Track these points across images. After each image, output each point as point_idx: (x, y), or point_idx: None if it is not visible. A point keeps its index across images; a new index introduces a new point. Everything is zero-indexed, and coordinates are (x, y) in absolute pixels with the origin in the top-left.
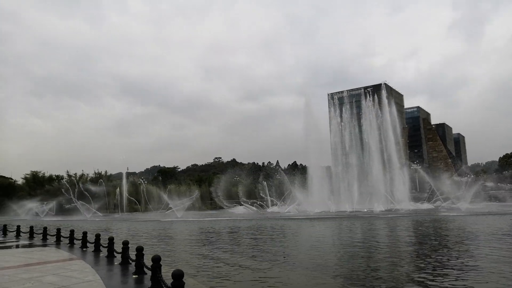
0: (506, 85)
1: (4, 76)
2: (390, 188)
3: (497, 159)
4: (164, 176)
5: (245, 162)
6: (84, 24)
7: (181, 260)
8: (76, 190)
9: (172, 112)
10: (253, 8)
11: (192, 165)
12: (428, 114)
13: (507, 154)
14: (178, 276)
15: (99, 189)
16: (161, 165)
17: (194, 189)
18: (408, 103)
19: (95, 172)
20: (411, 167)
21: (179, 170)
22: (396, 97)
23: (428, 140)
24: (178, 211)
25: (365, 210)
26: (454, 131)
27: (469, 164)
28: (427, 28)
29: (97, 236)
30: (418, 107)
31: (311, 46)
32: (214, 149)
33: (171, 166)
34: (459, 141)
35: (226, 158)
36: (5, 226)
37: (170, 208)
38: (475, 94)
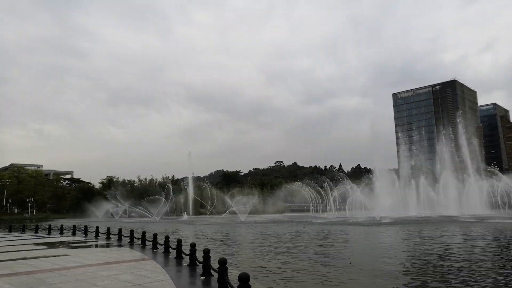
0: None
1: (85, 89)
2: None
3: None
4: (227, 180)
5: (307, 166)
6: (153, 37)
7: (246, 263)
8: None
9: (236, 118)
10: (315, 11)
11: (254, 169)
12: (506, 111)
13: None
14: (244, 279)
15: (167, 192)
16: (224, 170)
17: (256, 193)
18: (483, 100)
19: (163, 177)
20: (487, 170)
21: (241, 174)
22: (468, 94)
23: (507, 140)
24: (242, 215)
25: (436, 215)
26: None
27: None
28: (505, 16)
29: (167, 238)
30: (494, 103)
31: (375, 45)
32: (276, 153)
33: (234, 170)
34: None
35: (287, 162)
36: (85, 227)
37: (234, 211)
38: None
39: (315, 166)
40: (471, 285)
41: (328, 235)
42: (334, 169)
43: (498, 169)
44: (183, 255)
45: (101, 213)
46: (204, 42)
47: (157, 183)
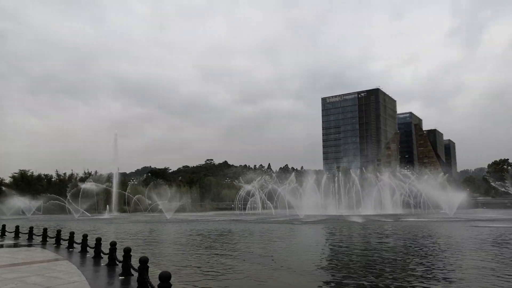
0: (502, 93)
1: (1, 73)
2: (380, 193)
3: (486, 166)
4: (155, 177)
5: (237, 164)
6: (85, 24)
7: (169, 262)
8: (68, 189)
9: (170, 114)
10: (255, 12)
11: (183, 166)
12: (420, 120)
13: (496, 161)
14: (165, 278)
15: (87, 188)
16: (151, 166)
17: (185, 191)
18: (403, 109)
19: (84, 172)
20: (401, 173)
21: (170, 171)
22: (389, 102)
23: (419, 146)
24: (168, 213)
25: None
26: (445, 138)
27: (459, 170)
28: (426, 35)
29: (84, 237)
30: (410, 112)
31: (312, 51)
32: (208, 152)
33: (163, 167)
34: (449, 147)
35: (218, 161)
36: None
37: (160, 209)
38: (469, 101)
39: (245, 165)
40: (383, 279)
41: (253, 233)
42: (263, 168)
43: (410, 172)
44: (101, 254)
45: (9, 210)
46: (140, 34)
47: (77, 178)
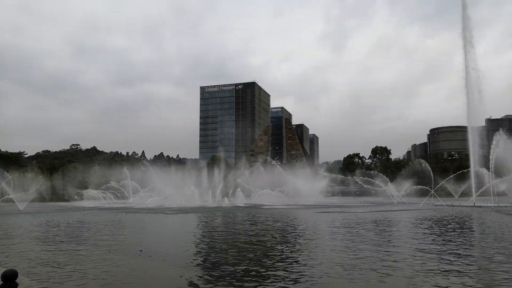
0: (359, 96)
1: None
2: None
3: (342, 159)
4: (5, 162)
5: (107, 151)
6: None
7: (19, 258)
8: None
9: (30, 91)
10: None
11: (43, 151)
12: (290, 115)
13: (349, 154)
14: (10, 276)
15: None
16: (2, 150)
17: (44, 178)
18: (277, 103)
19: None
20: (271, 163)
21: (26, 156)
22: (264, 96)
23: (288, 139)
24: (21, 203)
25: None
26: (311, 132)
27: (320, 162)
28: (302, 35)
29: None
30: (282, 107)
31: (195, 38)
32: (75, 136)
33: (16, 151)
34: (314, 141)
35: (86, 146)
36: None
37: (11, 199)
38: (333, 101)
39: (117, 152)
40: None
41: (121, 223)
42: (137, 156)
43: (279, 163)
44: None
45: None
46: None
47: None
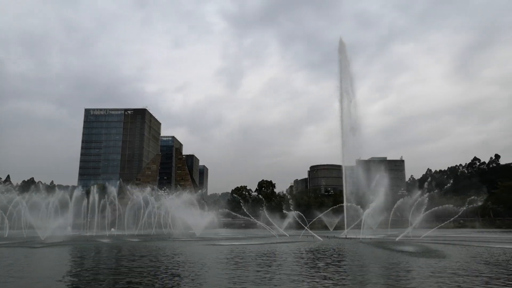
0: (249, 131)
1: None
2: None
3: (230, 191)
4: None
5: None
6: None
7: None
8: None
9: None
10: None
11: None
12: (181, 145)
13: (237, 187)
14: None
15: None
16: None
17: None
18: (169, 132)
19: None
20: (159, 193)
21: None
22: (155, 124)
23: (177, 169)
24: None
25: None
26: (201, 163)
27: (209, 193)
28: (199, 68)
29: None
30: (173, 137)
31: (84, 57)
32: None
33: None
34: (203, 172)
35: None
36: None
37: None
38: (225, 134)
39: None
40: None
41: None
42: (1, 180)
43: (167, 192)
44: None
45: None
46: None
47: None
